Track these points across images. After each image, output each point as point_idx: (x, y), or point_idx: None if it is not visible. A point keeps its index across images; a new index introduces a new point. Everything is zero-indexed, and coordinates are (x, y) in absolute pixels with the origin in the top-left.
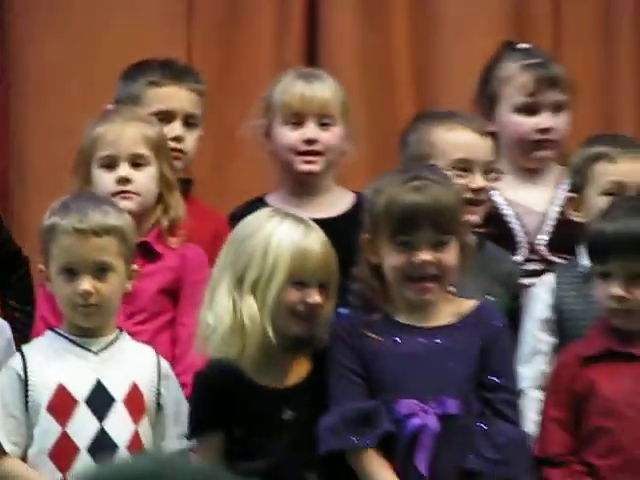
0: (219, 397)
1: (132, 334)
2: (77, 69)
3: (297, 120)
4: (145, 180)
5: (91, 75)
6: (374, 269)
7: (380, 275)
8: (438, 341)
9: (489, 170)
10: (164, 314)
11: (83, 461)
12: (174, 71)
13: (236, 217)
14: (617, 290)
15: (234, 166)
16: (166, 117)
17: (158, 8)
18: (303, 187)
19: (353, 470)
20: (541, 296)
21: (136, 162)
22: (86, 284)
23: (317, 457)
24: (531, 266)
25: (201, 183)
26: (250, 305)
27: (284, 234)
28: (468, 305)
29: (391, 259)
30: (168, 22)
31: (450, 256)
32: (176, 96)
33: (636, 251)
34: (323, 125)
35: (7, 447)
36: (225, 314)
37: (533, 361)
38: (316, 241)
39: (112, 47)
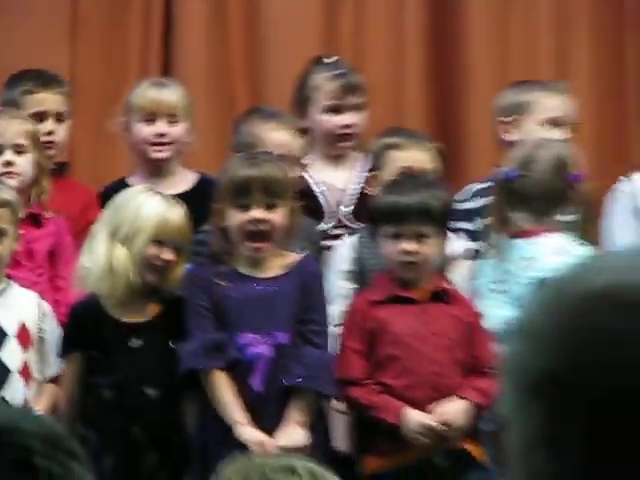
0: (82, 325)
1: (33, 283)
2: None
3: (150, 118)
4: (25, 164)
5: None
6: (222, 232)
7: (227, 237)
8: (270, 287)
9: (300, 160)
10: (50, 269)
11: None
12: (44, 79)
13: (104, 194)
14: (410, 246)
15: (109, 154)
16: (40, 117)
17: (45, 27)
18: (155, 170)
19: (189, 392)
20: (344, 253)
21: (17, 150)
22: None
23: (158, 378)
24: (335, 231)
25: (84, 167)
26: (120, 253)
27: (152, 204)
28: (293, 258)
29: (233, 220)
30: (54, 39)
31: (278, 216)
32: (47, 100)
33: (421, 216)
34: (171, 122)
35: None
36: (100, 259)
37: (334, 303)
38: (176, 214)
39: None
